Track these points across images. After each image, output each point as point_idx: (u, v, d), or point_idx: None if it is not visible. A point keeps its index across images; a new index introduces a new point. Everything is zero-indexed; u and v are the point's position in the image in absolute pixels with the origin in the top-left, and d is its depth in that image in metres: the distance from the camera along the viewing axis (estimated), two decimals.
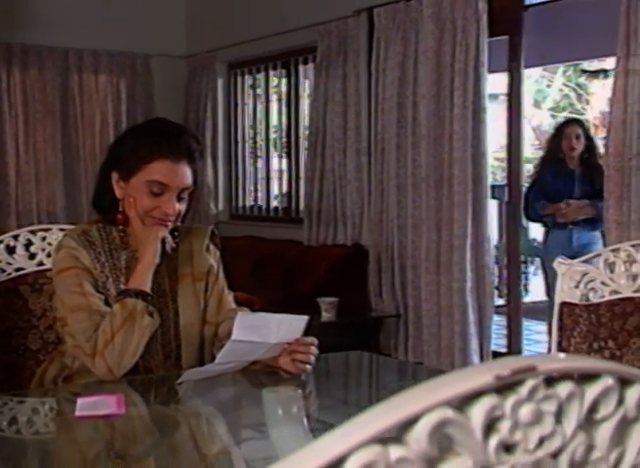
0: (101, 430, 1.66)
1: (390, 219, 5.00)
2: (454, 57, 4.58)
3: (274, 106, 6.63)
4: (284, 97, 6.40)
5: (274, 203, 6.59)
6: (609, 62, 11.07)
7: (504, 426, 0.58)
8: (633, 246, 1.82)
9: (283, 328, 1.82)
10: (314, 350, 1.87)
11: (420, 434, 0.55)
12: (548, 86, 14.38)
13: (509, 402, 0.58)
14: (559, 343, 1.88)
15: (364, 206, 5.30)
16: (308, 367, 1.87)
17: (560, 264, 1.90)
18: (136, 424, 1.74)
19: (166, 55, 6.75)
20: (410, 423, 0.55)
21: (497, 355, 4.69)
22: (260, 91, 6.72)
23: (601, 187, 4.22)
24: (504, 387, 0.58)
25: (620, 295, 1.80)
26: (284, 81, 6.38)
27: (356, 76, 5.32)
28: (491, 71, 4.64)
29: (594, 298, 1.84)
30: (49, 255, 2.30)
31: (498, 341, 5.06)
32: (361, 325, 5.20)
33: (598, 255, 1.86)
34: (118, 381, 1.87)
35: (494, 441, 0.58)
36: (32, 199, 6.36)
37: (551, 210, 5.18)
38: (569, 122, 5.62)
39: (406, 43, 4.87)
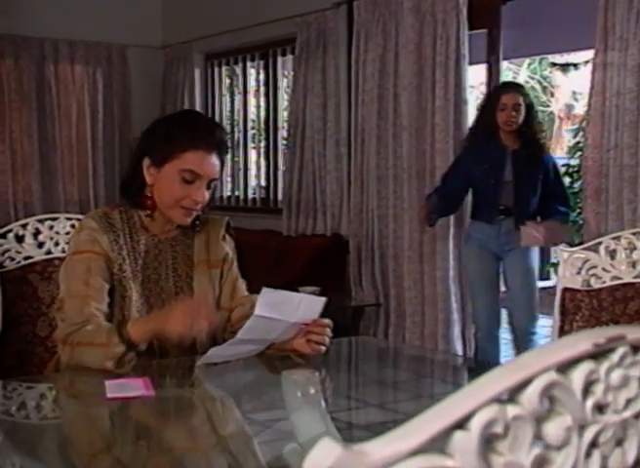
0: (122, 412, 1.71)
1: (370, 210, 5.07)
2: (434, 49, 4.66)
3: (252, 98, 6.65)
4: (262, 88, 6.44)
5: (252, 193, 6.63)
6: (578, 56, 11.27)
7: (599, 389, 0.65)
8: (634, 234, 1.91)
9: (302, 307, 1.87)
10: (329, 332, 1.94)
11: (532, 395, 0.61)
12: (514, 78, 14.55)
13: (604, 367, 0.65)
14: (561, 327, 1.96)
15: (343, 196, 5.37)
16: (323, 348, 1.93)
17: (562, 251, 1.98)
18: (157, 407, 1.78)
19: (142, 45, 6.74)
20: (523, 385, 0.61)
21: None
22: (237, 82, 6.75)
23: (536, 169, 4.11)
24: (600, 354, 0.65)
25: (620, 281, 1.88)
26: (262, 72, 6.41)
27: (336, 68, 5.38)
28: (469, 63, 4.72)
29: (596, 284, 1.92)
30: (57, 244, 2.34)
31: None
32: (341, 313, 5.26)
33: (599, 243, 1.95)
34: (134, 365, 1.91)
35: (590, 402, 0.65)
36: (8, 189, 6.33)
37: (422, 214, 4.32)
38: (506, 87, 4.35)
39: (386, 35, 4.93)
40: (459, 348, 4.64)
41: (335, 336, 2.02)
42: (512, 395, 0.62)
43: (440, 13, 4.62)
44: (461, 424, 0.59)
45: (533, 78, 14.93)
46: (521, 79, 14.67)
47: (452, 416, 0.59)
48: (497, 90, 4.30)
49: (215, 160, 1.99)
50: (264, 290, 1.84)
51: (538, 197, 4.19)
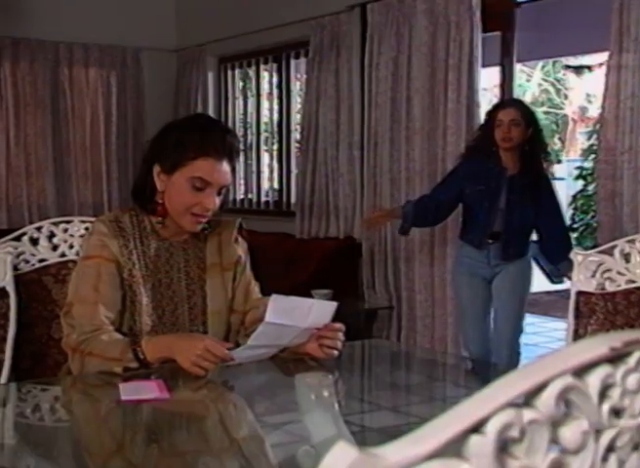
0: (135, 415, 1.71)
1: None
2: (447, 52, 4.65)
3: (265, 101, 6.67)
4: (275, 91, 6.45)
5: (265, 196, 6.64)
6: (592, 58, 11.23)
7: (615, 393, 0.65)
8: None
9: (313, 312, 1.87)
10: (341, 336, 1.94)
11: (547, 399, 0.61)
12: (528, 80, 14.53)
13: (620, 371, 0.65)
14: (575, 331, 1.96)
15: (356, 199, 5.37)
16: (335, 352, 1.93)
17: (577, 254, 1.97)
18: (171, 409, 1.78)
19: (156, 48, 6.77)
20: (539, 389, 0.61)
21: None
22: (250, 85, 6.76)
23: (532, 198, 3.87)
24: (616, 358, 0.65)
25: (635, 284, 1.88)
26: (275, 75, 6.42)
27: (349, 71, 5.38)
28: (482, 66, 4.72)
29: (610, 287, 1.92)
30: (71, 247, 2.35)
31: None
32: (354, 316, 5.26)
33: (614, 246, 1.94)
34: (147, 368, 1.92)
35: (606, 406, 0.65)
36: (23, 192, 6.36)
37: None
38: (504, 103, 4.22)
39: (399, 38, 4.94)
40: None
41: (347, 339, 2.02)
42: (528, 399, 0.61)
43: (454, 15, 4.62)
44: (477, 428, 0.59)
45: (546, 80, 14.91)
46: (534, 81, 14.67)
47: (468, 420, 0.58)
48: (494, 106, 4.14)
49: (225, 167, 1.98)
50: (274, 296, 1.84)
51: (531, 223, 3.98)
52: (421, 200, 4.19)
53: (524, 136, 3.91)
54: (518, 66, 5.04)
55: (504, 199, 3.91)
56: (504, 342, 4.00)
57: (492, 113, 4.02)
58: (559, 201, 4.14)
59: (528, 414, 0.61)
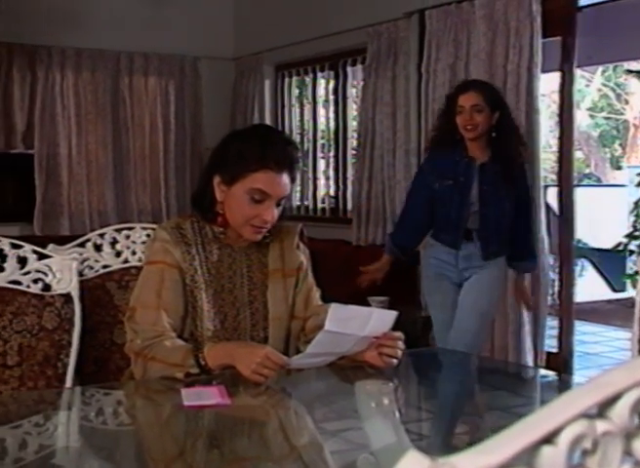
0: (197, 420, 1.73)
1: None
2: (507, 58, 4.61)
3: (321, 108, 6.69)
4: (331, 98, 6.46)
5: (321, 203, 6.65)
6: None
7: None
8: None
9: (373, 321, 1.87)
10: (401, 345, 1.93)
11: (621, 410, 0.60)
12: (587, 86, 14.32)
13: None
14: None
15: None
16: (395, 361, 1.92)
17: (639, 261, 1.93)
18: (231, 415, 1.80)
19: (214, 57, 6.85)
20: (612, 401, 0.60)
21: (550, 355, 4.71)
22: (307, 92, 6.79)
23: (507, 188, 3.55)
24: None
25: None
26: (332, 82, 6.44)
27: (406, 77, 5.37)
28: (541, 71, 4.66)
29: None
30: (134, 253, 2.39)
31: (547, 341, 5.07)
32: (411, 324, 5.24)
33: None
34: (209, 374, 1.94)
35: None
36: (84, 199, 6.48)
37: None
38: (464, 86, 3.70)
39: (457, 44, 4.91)
40: (530, 360, 4.56)
41: (405, 347, 2.01)
42: (601, 410, 0.61)
43: (513, 21, 4.57)
44: (550, 439, 0.58)
45: (606, 85, 14.67)
46: (594, 87, 14.45)
47: (540, 431, 0.58)
48: (454, 89, 3.71)
49: (285, 179, 1.98)
50: (333, 305, 1.84)
51: (509, 220, 3.62)
52: (398, 227, 3.91)
53: (490, 122, 3.53)
54: (578, 71, 4.98)
55: (477, 191, 3.55)
56: (459, 336, 3.60)
57: (452, 98, 3.61)
58: (530, 194, 3.82)
59: (601, 426, 0.60)
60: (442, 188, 3.56)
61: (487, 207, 3.55)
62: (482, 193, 3.54)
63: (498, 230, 3.61)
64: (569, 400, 0.59)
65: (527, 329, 4.55)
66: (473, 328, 3.62)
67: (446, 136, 3.60)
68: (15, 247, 2.15)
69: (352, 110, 6.34)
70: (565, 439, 0.58)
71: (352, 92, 6.39)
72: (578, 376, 4.66)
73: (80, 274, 2.25)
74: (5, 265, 2.13)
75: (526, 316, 4.55)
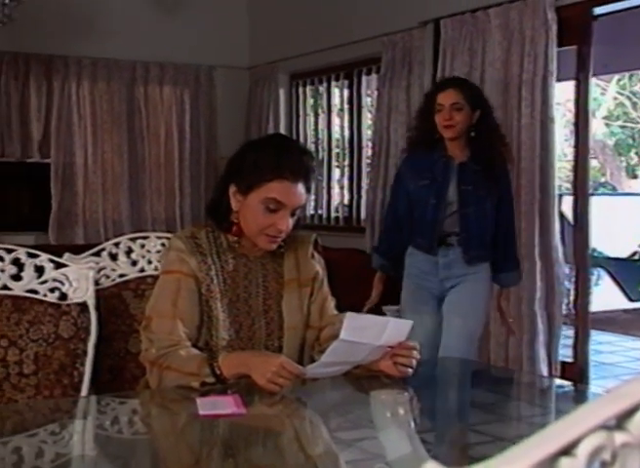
0: (212, 429, 1.73)
1: None
2: (522, 67, 4.60)
3: (336, 117, 6.70)
4: (346, 107, 6.47)
5: (335, 212, 6.65)
6: None
7: None
8: None
9: (388, 331, 1.87)
10: (416, 354, 1.93)
11: None
12: (602, 94, 14.28)
13: None
14: None
15: None
16: (410, 370, 1.92)
17: None
18: (246, 425, 1.80)
19: (229, 66, 6.88)
20: (631, 412, 0.60)
21: (564, 365, 4.68)
22: (321, 101, 6.80)
23: (488, 188, 3.38)
24: None
25: None
26: (346, 91, 6.45)
27: (420, 87, 5.36)
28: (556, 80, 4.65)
29: None
30: (149, 262, 2.39)
31: (561, 351, 5.05)
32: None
33: None
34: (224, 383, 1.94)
35: None
36: (99, 208, 6.51)
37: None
38: (443, 84, 3.61)
39: (472, 53, 4.91)
40: (544, 370, 4.54)
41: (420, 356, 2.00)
42: (620, 422, 0.60)
43: (529, 30, 4.57)
44: (568, 450, 0.58)
45: (622, 94, 14.62)
46: (609, 95, 14.41)
47: (558, 442, 0.58)
48: (433, 87, 3.60)
49: (300, 189, 1.99)
50: (349, 314, 1.84)
51: (491, 221, 3.46)
52: (381, 238, 3.79)
53: (469, 121, 3.41)
54: (593, 80, 4.96)
55: (455, 191, 3.40)
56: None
57: (430, 96, 3.50)
58: (512, 196, 3.65)
59: (620, 437, 0.60)
60: (418, 189, 3.43)
61: (467, 207, 3.40)
62: (461, 193, 3.40)
63: (479, 232, 3.45)
64: (587, 411, 0.59)
65: (541, 338, 4.53)
66: (463, 350, 3.35)
67: (424, 136, 3.47)
68: (31, 256, 2.16)
69: (367, 119, 6.34)
70: (584, 450, 0.58)
71: (367, 101, 6.39)
72: (594, 386, 4.63)
73: (96, 283, 2.26)
74: (22, 274, 2.15)
75: (540, 325, 4.53)
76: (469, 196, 3.40)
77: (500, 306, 3.75)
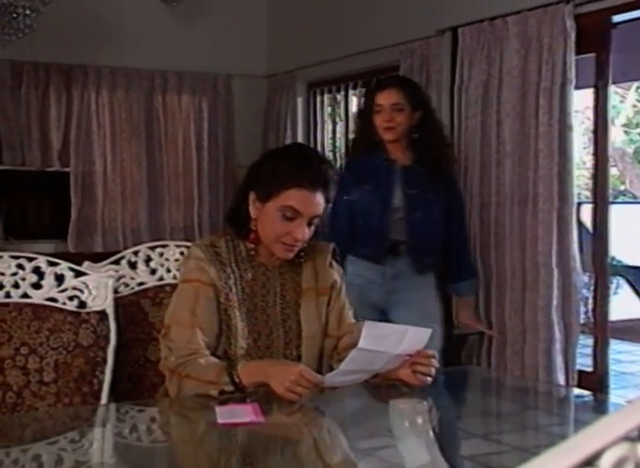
0: (230, 437, 1.73)
1: (472, 237, 5.01)
2: (540, 75, 4.59)
3: (353, 125, 6.70)
4: None
5: None
6: None
7: None
8: None
9: (407, 339, 1.87)
10: (435, 363, 1.93)
11: None
12: (621, 102, 14.21)
13: None
14: None
15: None
16: (429, 379, 1.92)
17: None
18: (265, 433, 1.80)
19: (247, 75, 6.90)
20: None
21: (582, 374, 4.65)
22: (339, 109, 6.82)
23: (435, 192, 3.21)
24: None
25: None
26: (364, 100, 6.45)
27: (438, 95, 5.36)
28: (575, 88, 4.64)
29: None
30: (168, 271, 2.40)
31: (580, 360, 5.01)
32: (444, 341, 5.20)
33: None
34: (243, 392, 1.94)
35: None
36: (117, 217, 6.53)
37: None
38: (382, 84, 3.42)
39: (490, 62, 4.90)
40: (561, 379, 4.51)
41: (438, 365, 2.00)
42: None
43: (547, 38, 4.56)
44: (591, 462, 0.58)
45: None
46: (628, 102, 14.33)
47: (581, 454, 0.57)
48: (373, 87, 3.40)
49: (318, 198, 2.00)
50: (368, 322, 1.84)
51: (440, 227, 3.32)
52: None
53: (410, 122, 3.27)
54: (612, 88, 4.94)
55: (401, 196, 3.24)
56: None
57: (370, 96, 3.33)
58: (463, 199, 3.49)
59: None
60: (360, 195, 3.24)
61: (414, 212, 3.27)
62: (407, 197, 3.24)
63: (428, 238, 3.31)
64: (610, 422, 0.59)
65: (558, 347, 4.50)
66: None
67: (364, 139, 3.32)
68: (51, 264, 2.18)
69: None
70: (606, 462, 0.58)
71: None
72: (614, 396, 4.60)
73: (115, 291, 2.27)
74: (42, 283, 2.16)
75: (557, 333, 4.51)
76: (416, 200, 3.26)
77: (467, 318, 3.55)
